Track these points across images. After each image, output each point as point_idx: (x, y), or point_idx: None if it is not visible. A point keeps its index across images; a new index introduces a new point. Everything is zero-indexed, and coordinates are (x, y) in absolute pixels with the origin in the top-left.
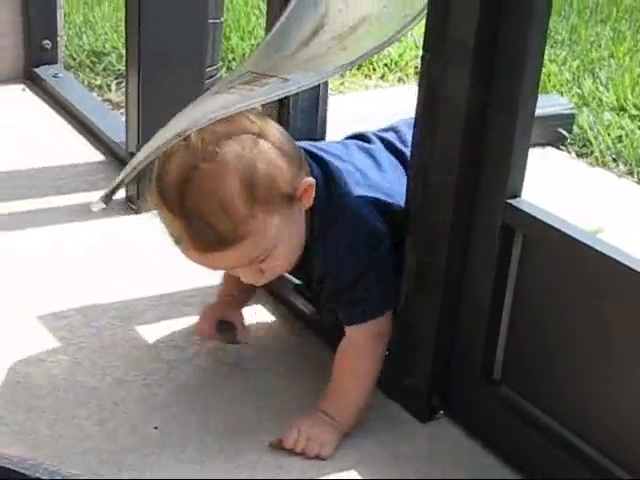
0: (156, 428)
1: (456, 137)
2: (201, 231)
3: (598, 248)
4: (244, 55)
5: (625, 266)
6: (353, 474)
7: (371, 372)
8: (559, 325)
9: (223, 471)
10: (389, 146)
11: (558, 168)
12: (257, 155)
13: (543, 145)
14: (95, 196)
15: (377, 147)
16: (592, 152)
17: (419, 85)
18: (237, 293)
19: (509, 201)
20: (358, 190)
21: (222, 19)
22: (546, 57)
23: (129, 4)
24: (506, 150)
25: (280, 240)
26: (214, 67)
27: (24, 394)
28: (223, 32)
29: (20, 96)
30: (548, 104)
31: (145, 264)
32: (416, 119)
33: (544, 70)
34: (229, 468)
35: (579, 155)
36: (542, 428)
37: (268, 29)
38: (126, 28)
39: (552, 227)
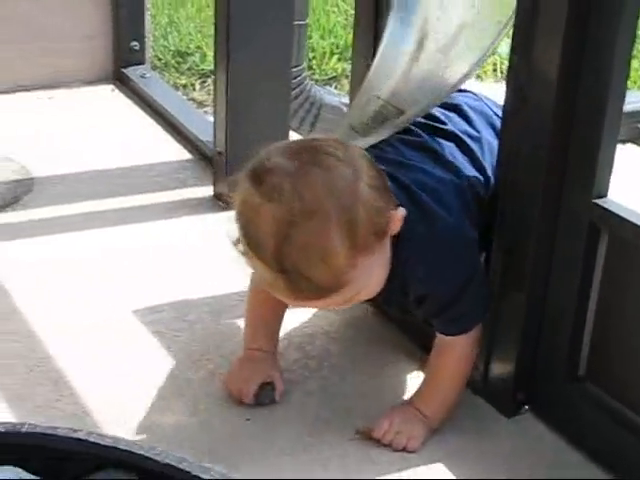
0: (248, 420)
1: (544, 138)
2: (301, 284)
3: None
4: (324, 54)
5: None
6: (440, 467)
7: (467, 374)
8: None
9: (313, 462)
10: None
11: (637, 164)
12: (356, 201)
13: (623, 142)
14: (185, 193)
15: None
16: None
17: (507, 88)
18: (269, 341)
19: (595, 201)
20: (440, 202)
21: (307, 21)
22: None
23: (218, 6)
24: (593, 150)
25: (374, 274)
26: (299, 67)
27: (121, 386)
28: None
29: (110, 96)
30: (628, 100)
31: (234, 260)
32: (504, 122)
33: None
34: (319, 459)
35: None
36: (627, 425)
37: (356, 30)
38: (215, 29)
39: (637, 226)
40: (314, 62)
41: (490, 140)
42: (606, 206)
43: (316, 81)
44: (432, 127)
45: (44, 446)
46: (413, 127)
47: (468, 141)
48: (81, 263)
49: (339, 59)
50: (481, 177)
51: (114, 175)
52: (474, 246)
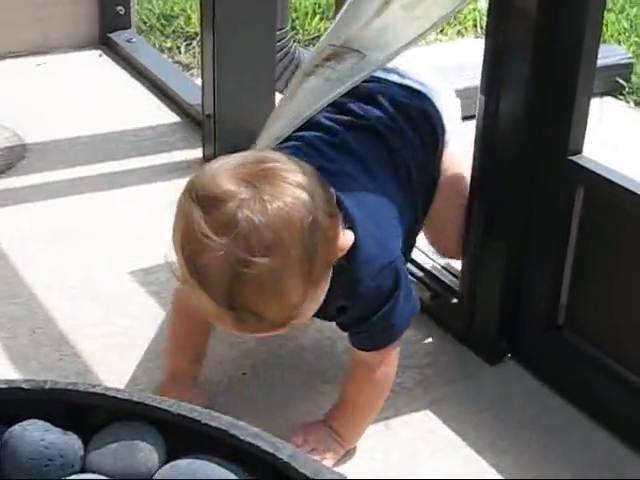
0: (244, 374)
1: (521, 96)
2: (249, 321)
3: None
4: (307, 13)
5: None
6: (427, 413)
7: (386, 394)
8: (619, 273)
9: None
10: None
11: (616, 117)
12: (315, 235)
13: (601, 95)
14: (175, 156)
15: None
16: None
17: (485, 48)
18: (195, 365)
19: (571, 157)
20: (369, 215)
21: None
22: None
23: None
24: (567, 108)
25: (318, 301)
26: (284, 30)
27: (120, 345)
28: None
29: (97, 61)
30: (606, 54)
31: None
32: (482, 82)
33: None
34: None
35: (637, 104)
36: (603, 370)
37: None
38: None
39: (611, 181)
40: (297, 22)
41: (406, 129)
42: (580, 162)
43: (299, 41)
44: (351, 122)
45: (66, 401)
46: (332, 123)
47: (388, 134)
48: (76, 227)
49: (321, 18)
50: (404, 178)
51: (105, 140)
52: (398, 263)
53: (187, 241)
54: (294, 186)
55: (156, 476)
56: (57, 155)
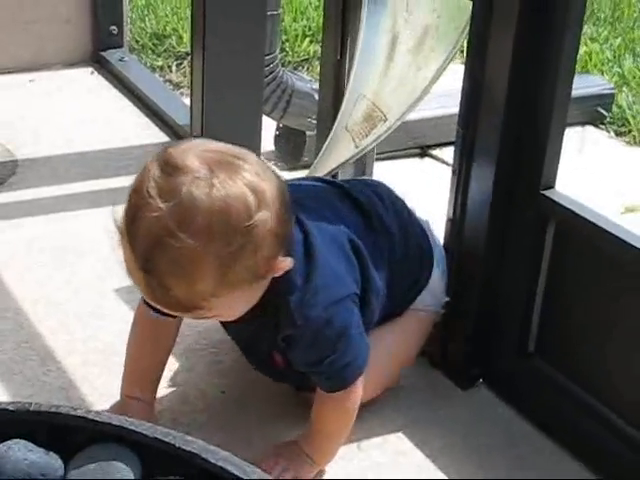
0: (223, 392)
1: (497, 131)
2: (157, 291)
3: (622, 236)
4: (296, 36)
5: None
6: (399, 436)
7: (353, 420)
8: (587, 304)
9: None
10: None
11: (596, 147)
12: (245, 244)
13: (583, 124)
14: None
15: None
16: (630, 131)
17: (463, 83)
18: (149, 390)
19: (543, 192)
20: (330, 253)
21: (280, 11)
22: (588, 35)
23: None
24: (540, 144)
25: (235, 307)
26: (272, 55)
27: (104, 361)
28: None
29: (89, 79)
30: (588, 84)
31: None
32: (460, 111)
33: (585, 49)
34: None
35: (618, 134)
36: (572, 397)
37: (325, 29)
38: (192, 19)
39: (581, 217)
40: (287, 44)
41: (395, 234)
42: (553, 197)
43: (288, 63)
44: (347, 195)
45: (49, 422)
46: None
47: (377, 225)
48: (64, 243)
49: (311, 41)
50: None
51: (94, 157)
52: (353, 300)
53: (135, 193)
54: (247, 185)
55: None
56: (48, 171)
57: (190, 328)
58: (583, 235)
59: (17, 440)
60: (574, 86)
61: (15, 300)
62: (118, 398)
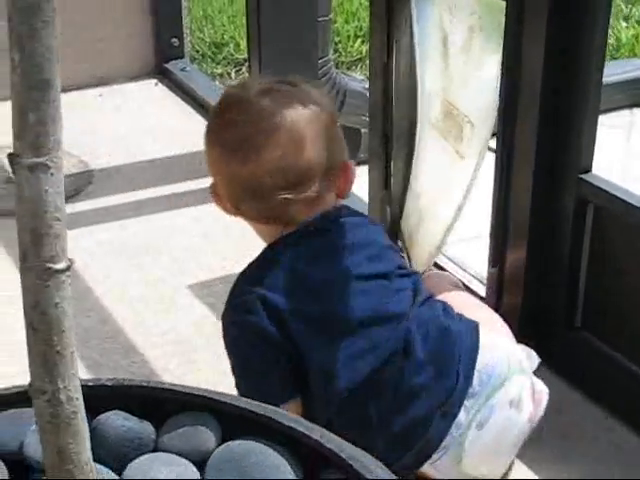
0: None
1: (534, 121)
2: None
3: None
4: (348, 37)
5: None
6: None
7: None
8: (629, 281)
9: None
10: None
11: None
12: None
13: (631, 107)
14: None
15: None
16: None
17: (501, 82)
18: None
19: (581, 176)
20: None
21: (330, 16)
22: (636, 18)
23: (249, 7)
24: (576, 130)
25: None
26: (325, 58)
27: (182, 350)
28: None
29: (154, 90)
30: (634, 67)
31: None
32: (500, 103)
33: (633, 32)
34: None
35: None
36: (618, 367)
37: (372, 31)
38: (247, 29)
39: (617, 197)
40: (339, 45)
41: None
42: (590, 180)
43: (342, 63)
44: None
45: (141, 395)
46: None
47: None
48: (139, 245)
49: (362, 42)
50: None
51: (163, 164)
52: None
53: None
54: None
55: (214, 454)
56: (121, 179)
57: None
58: (620, 215)
59: (115, 411)
60: (620, 70)
61: (97, 299)
62: (197, 382)
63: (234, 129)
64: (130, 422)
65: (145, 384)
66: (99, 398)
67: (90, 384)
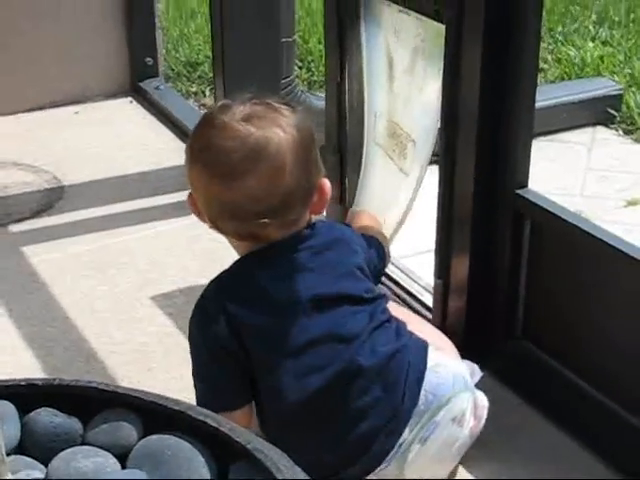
0: None
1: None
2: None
3: (584, 227)
4: (321, 57)
5: (604, 242)
6: None
7: None
8: (566, 290)
9: None
10: None
11: (605, 145)
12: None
13: (594, 124)
14: None
15: None
16: (638, 129)
17: (442, 103)
18: None
19: (517, 191)
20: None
21: (294, 37)
22: (602, 39)
23: (213, 29)
24: (511, 146)
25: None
26: (289, 78)
27: (142, 358)
28: (302, 36)
29: (128, 108)
30: (597, 87)
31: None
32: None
33: (598, 53)
34: None
35: (626, 132)
36: (554, 373)
37: (327, 53)
38: (212, 49)
39: (550, 211)
40: (312, 64)
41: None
42: (526, 195)
43: (314, 82)
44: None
45: (70, 393)
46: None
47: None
48: (106, 258)
49: None
50: None
51: (133, 180)
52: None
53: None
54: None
55: (135, 447)
56: (91, 195)
57: None
58: (554, 228)
59: (45, 408)
60: (585, 89)
61: (63, 310)
62: (153, 389)
63: (217, 153)
64: (59, 418)
65: (74, 383)
66: (30, 397)
67: (22, 384)
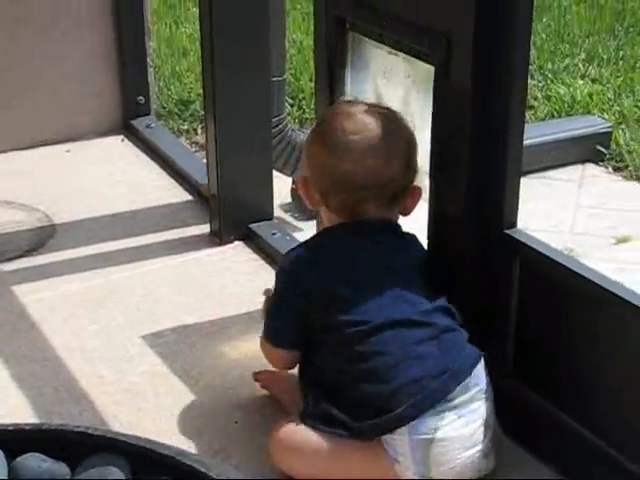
0: (236, 422)
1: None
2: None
3: (572, 267)
4: (312, 94)
5: (593, 282)
6: None
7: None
8: (556, 328)
9: None
10: None
11: (595, 183)
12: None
13: (583, 162)
14: (187, 232)
15: None
16: (627, 166)
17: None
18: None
19: (506, 231)
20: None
21: (284, 77)
22: (591, 77)
23: (204, 67)
24: (499, 187)
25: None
26: (280, 117)
27: (132, 399)
28: (293, 74)
29: (120, 146)
30: (587, 124)
31: (229, 287)
32: (431, 164)
33: (588, 90)
34: None
35: (615, 170)
36: (544, 412)
37: (317, 93)
38: (203, 87)
39: (538, 251)
40: (303, 102)
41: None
42: (515, 235)
43: (305, 119)
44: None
45: (57, 437)
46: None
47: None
48: (97, 297)
49: None
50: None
51: (125, 218)
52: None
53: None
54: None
55: None
56: (82, 233)
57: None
58: (543, 268)
59: (33, 453)
60: (575, 127)
61: (54, 349)
62: (145, 430)
63: (340, 133)
64: (46, 463)
65: (61, 428)
66: (18, 441)
67: (10, 428)
